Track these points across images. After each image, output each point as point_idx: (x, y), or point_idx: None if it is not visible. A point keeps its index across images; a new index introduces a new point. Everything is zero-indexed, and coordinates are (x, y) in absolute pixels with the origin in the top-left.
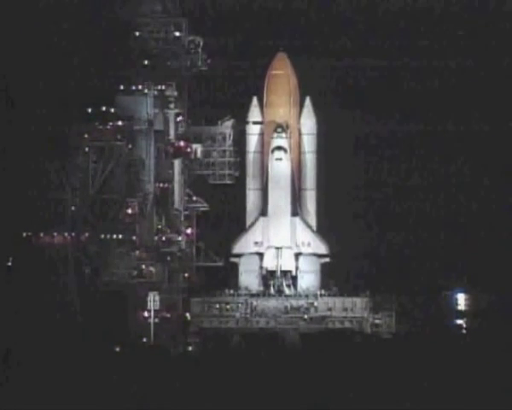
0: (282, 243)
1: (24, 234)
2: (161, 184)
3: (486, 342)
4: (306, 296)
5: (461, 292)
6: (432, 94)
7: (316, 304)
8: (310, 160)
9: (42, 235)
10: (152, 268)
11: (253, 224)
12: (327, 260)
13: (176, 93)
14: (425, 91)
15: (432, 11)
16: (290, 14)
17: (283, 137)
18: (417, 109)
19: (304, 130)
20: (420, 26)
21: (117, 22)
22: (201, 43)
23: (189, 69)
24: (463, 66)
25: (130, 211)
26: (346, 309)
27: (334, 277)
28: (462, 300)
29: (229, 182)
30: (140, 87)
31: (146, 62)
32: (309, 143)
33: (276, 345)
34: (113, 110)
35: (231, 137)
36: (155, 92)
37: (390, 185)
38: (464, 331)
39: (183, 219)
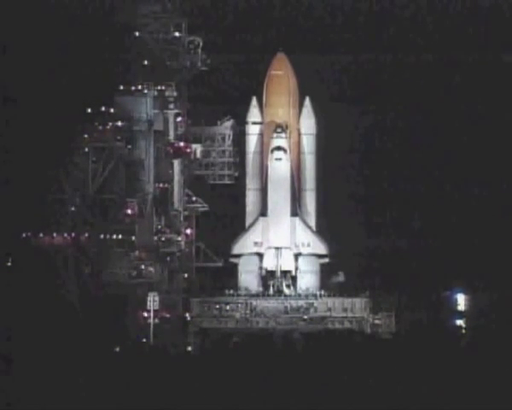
0: (282, 244)
1: (24, 234)
2: (161, 185)
3: (486, 342)
4: (306, 297)
5: (461, 292)
6: (434, 92)
7: (315, 304)
8: (309, 160)
9: (42, 235)
10: (151, 268)
11: (252, 224)
12: (326, 260)
13: (175, 93)
14: (426, 90)
15: (432, 7)
16: (290, 14)
17: (283, 137)
18: (418, 109)
19: (303, 130)
20: (420, 24)
21: (117, 22)
22: (201, 44)
23: (188, 69)
24: (465, 62)
25: (129, 211)
26: (345, 309)
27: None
28: (462, 300)
29: (228, 182)
30: (140, 87)
31: (146, 62)
32: (308, 144)
33: (276, 345)
34: (112, 110)
35: (231, 138)
36: (155, 92)
37: (390, 185)
38: (464, 331)
39: (182, 219)
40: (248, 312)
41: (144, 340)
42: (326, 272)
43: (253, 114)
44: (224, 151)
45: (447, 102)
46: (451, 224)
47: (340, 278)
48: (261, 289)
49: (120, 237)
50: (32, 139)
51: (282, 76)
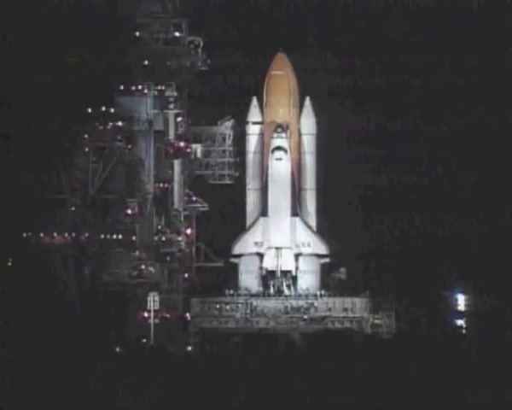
0: (282, 244)
1: (24, 234)
2: (161, 185)
3: (486, 342)
4: (306, 297)
5: (461, 292)
6: (433, 93)
7: (315, 304)
8: (309, 160)
9: (42, 235)
10: (152, 268)
11: (253, 224)
12: (327, 260)
13: (176, 93)
14: (426, 91)
15: (431, 10)
16: (290, 14)
17: (283, 137)
18: (418, 109)
19: (303, 130)
20: (420, 25)
21: (117, 22)
22: (201, 44)
23: (188, 69)
24: (462, 64)
25: (129, 211)
26: (345, 309)
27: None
28: (462, 300)
29: (228, 182)
30: (140, 87)
31: (146, 62)
32: (309, 144)
33: (276, 345)
34: (112, 110)
35: (231, 138)
36: (155, 92)
37: (390, 185)
38: (464, 332)
39: (182, 219)
40: (248, 312)
41: (144, 340)
42: (326, 271)
43: (253, 114)
44: (224, 151)
45: (447, 102)
46: (452, 223)
47: (342, 275)
48: (261, 289)
49: (120, 237)
50: (32, 139)
51: (282, 76)
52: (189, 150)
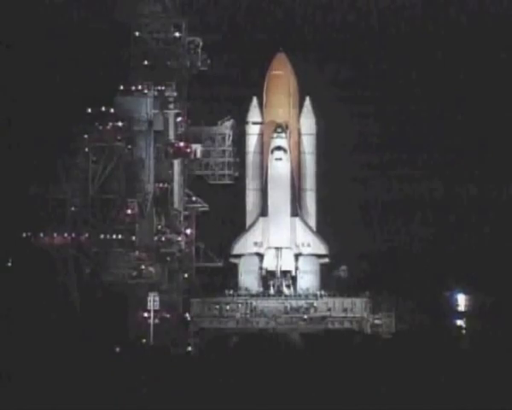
0: (282, 244)
1: (24, 234)
2: (161, 185)
3: (486, 342)
4: (306, 297)
5: (461, 292)
6: (433, 92)
7: (315, 304)
8: (309, 160)
9: (42, 235)
10: (151, 268)
11: (252, 224)
12: (326, 260)
13: (175, 93)
14: (425, 91)
15: (431, 13)
16: (290, 14)
17: (283, 137)
18: (417, 109)
19: (303, 130)
20: (420, 26)
21: (117, 23)
22: (201, 44)
23: (188, 69)
24: (460, 61)
25: (129, 211)
26: (345, 309)
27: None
28: (462, 300)
29: (228, 182)
30: (140, 87)
31: (146, 63)
32: (308, 144)
33: (276, 346)
34: (112, 111)
35: (231, 138)
36: (155, 93)
37: (390, 185)
38: (464, 332)
39: (182, 219)
40: (248, 312)
41: (144, 340)
42: (326, 271)
43: (253, 114)
44: (224, 151)
45: (448, 100)
46: (452, 224)
47: (343, 273)
48: (261, 289)
49: (120, 237)
50: (32, 140)
51: (282, 76)
52: (188, 150)
